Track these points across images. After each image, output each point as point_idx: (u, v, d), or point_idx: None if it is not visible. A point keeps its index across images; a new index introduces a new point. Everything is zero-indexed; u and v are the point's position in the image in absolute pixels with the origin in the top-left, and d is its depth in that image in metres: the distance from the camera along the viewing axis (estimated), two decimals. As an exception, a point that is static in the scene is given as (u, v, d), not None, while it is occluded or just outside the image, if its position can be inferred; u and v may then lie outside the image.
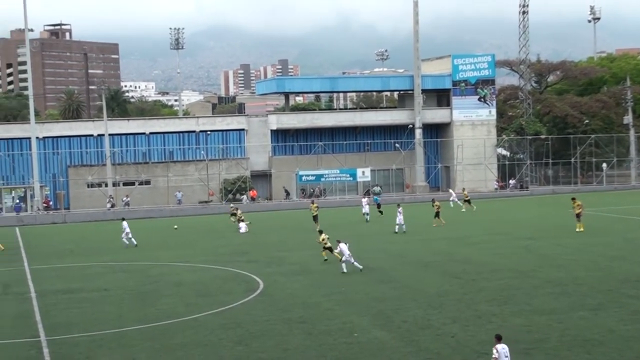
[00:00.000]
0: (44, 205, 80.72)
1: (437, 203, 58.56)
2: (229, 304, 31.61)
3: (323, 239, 41.81)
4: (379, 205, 67.41)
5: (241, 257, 45.26)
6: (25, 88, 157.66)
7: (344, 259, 38.10)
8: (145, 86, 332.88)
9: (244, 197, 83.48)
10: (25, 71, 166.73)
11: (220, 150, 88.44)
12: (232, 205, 69.29)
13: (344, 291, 33.62)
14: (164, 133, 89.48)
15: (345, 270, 37.73)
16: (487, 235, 52.15)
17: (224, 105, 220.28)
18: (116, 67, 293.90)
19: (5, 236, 62.58)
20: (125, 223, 52.26)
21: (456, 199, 73.41)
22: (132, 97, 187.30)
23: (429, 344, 24.67)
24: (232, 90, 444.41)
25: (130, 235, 51.77)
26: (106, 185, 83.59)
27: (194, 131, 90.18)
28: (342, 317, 28.84)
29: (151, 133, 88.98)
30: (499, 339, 20.23)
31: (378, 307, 30.07)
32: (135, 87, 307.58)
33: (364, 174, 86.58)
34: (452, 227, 56.63)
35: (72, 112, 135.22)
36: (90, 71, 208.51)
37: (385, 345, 24.89)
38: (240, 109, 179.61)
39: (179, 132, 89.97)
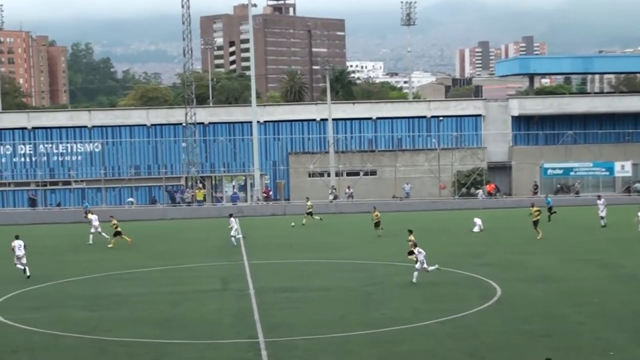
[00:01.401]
0: (264, 195, 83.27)
1: None
2: (461, 312, 31.36)
3: (410, 240, 41.35)
4: (550, 209, 63.67)
5: (475, 259, 44.82)
6: (247, 68, 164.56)
7: (417, 266, 37.63)
8: (373, 66, 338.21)
9: (480, 191, 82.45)
10: (247, 49, 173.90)
11: (453, 138, 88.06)
12: (309, 203, 66.98)
13: (597, 302, 32.50)
14: (392, 118, 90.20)
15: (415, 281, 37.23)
16: None
17: (459, 87, 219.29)
18: (342, 45, 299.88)
19: (226, 227, 65.68)
20: (232, 220, 52.99)
21: None
22: (359, 78, 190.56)
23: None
24: (467, 71, 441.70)
25: (238, 234, 52.65)
26: (328, 175, 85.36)
27: (424, 116, 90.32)
28: (594, 331, 27.90)
29: (378, 118, 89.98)
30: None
31: None
32: (362, 67, 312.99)
33: (623, 168, 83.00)
34: None
35: (294, 94, 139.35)
36: (314, 50, 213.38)
37: (645, 368, 23.80)
38: (477, 92, 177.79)
39: (408, 118, 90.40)
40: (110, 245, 53.19)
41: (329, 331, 28.74)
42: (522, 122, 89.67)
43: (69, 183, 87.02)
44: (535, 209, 53.97)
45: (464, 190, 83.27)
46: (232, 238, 52.79)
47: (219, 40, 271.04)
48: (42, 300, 36.29)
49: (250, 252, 49.83)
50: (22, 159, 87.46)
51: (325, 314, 31.72)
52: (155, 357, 26.12)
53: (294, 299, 35.07)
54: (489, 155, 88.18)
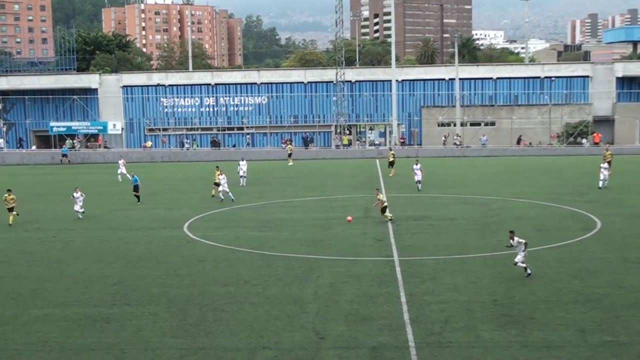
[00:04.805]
0: (400, 140, 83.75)
1: None
2: (565, 240, 30.61)
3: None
4: None
5: (580, 197, 43.46)
6: (389, 36, 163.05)
7: None
8: (495, 35, 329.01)
9: (584, 140, 79.85)
10: (389, 21, 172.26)
11: (563, 95, 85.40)
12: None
13: (686, 238, 31.00)
14: (510, 78, 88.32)
15: None
16: None
17: (569, 53, 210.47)
18: (469, 17, 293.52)
19: (368, 167, 66.01)
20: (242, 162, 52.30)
21: None
22: (482, 45, 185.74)
23: None
24: (578, 39, 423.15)
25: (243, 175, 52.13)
26: (455, 124, 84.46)
27: (538, 77, 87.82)
28: (682, 262, 26.63)
29: (498, 78, 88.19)
30: (512, 233, 24.82)
31: None
32: (485, 35, 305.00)
33: None
34: None
35: (427, 58, 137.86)
36: (445, 21, 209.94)
37: None
38: (585, 57, 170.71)
39: (524, 78, 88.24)
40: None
41: (451, 253, 28.64)
42: (625, 83, 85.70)
43: (242, 129, 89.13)
44: (609, 152, 54.75)
45: (571, 139, 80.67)
46: (241, 178, 52.26)
47: (365, 13, 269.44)
48: (221, 222, 37.46)
49: (389, 186, 49.86)
50: (207, 109, 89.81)
51: (449, 239, 31.52)
52: (309, 269, 26.62)
53: (423, 226, 34.95)
54: (595, 110, 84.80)
